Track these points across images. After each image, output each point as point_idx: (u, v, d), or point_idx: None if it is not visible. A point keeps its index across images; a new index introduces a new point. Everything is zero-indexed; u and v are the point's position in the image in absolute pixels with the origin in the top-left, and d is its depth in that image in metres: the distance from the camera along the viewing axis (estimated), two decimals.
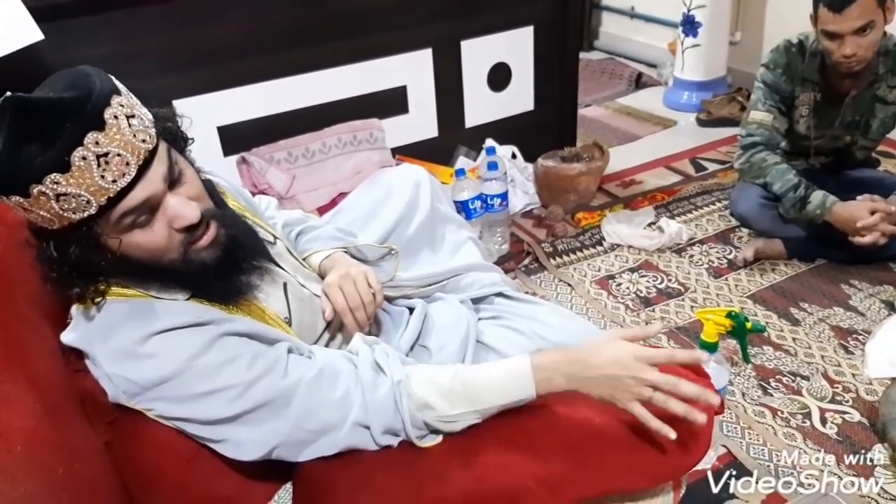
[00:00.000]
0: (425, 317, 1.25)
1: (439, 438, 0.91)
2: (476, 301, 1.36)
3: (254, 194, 1.36)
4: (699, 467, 1.29)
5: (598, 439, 0.94)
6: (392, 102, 2.20)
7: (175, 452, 0.88)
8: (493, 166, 2.06)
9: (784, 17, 2.99)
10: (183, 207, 0.81)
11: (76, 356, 0.87)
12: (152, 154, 0.78)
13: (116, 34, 1.72)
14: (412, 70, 2.20)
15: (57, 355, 0.90)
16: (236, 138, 1.97)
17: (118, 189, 0.75)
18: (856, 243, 1.78)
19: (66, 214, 0.74)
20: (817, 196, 1.82)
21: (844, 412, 1.46)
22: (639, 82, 3.50)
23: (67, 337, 0.86)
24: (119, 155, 0.74)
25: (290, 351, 0.90)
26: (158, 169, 0.79)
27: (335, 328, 1.11)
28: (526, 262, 2.05)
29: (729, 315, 1.34)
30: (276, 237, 1.12)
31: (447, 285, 1.35)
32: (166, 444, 0.87)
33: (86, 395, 0.88)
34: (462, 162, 2.29)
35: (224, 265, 0.88)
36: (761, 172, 1.91)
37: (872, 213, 1.75)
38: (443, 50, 2.22)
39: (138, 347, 0.81)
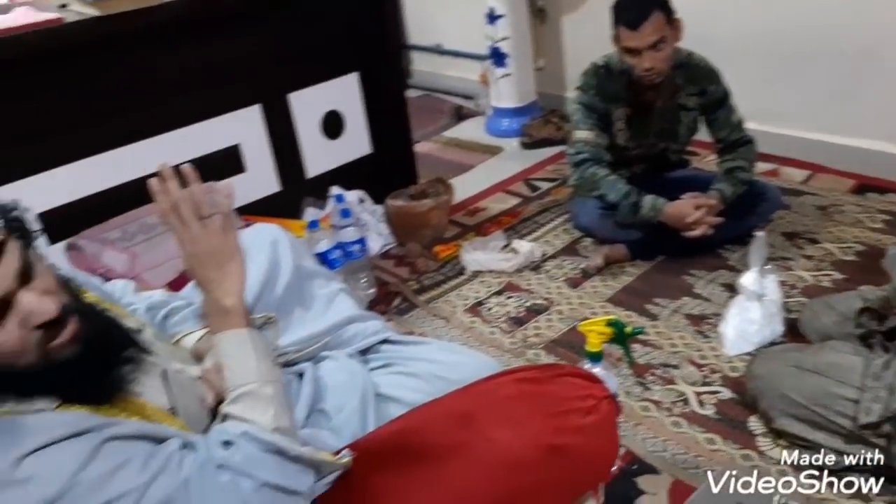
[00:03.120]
0: (316, 380, 1.19)
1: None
2: (363, 352, 1.32)
3: None
4: None
5: (516, 467, 0.94)
6: (226, 163, 2.10)
7: None
8: (345, 213, 2.03)
9: (578, 40, 3.27)
10: (39, 302, 0.73)
11: None
12: (1, 249, 0.71)
13: None
14: (243, 128, 2.12)
15: None
16: (60, 223, 1.77)
17: None
18: (688, 237, 1.97)
19: None
20: (648, 200, 1.98)
21: (717, 392, 1.58)
22: (460, 114, 3.64)
23: None
24: None
25: (182, 447, 0.81)
26: (9, 265, 0.71)
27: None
28: (396, 302, 2.03)
29: (609, 323, 1.40)
30: (142, 324, 1.01)
31: (330, 342, 1.30)
32: None
33: None
34: (311, 213, 2.23)
35: (90, 363, 0.79)
36: (594, 186, 2.05)
37: (697, 208, 1.95)
38: (271, 104, 2.17)
39: (11, 473, 0.69)
